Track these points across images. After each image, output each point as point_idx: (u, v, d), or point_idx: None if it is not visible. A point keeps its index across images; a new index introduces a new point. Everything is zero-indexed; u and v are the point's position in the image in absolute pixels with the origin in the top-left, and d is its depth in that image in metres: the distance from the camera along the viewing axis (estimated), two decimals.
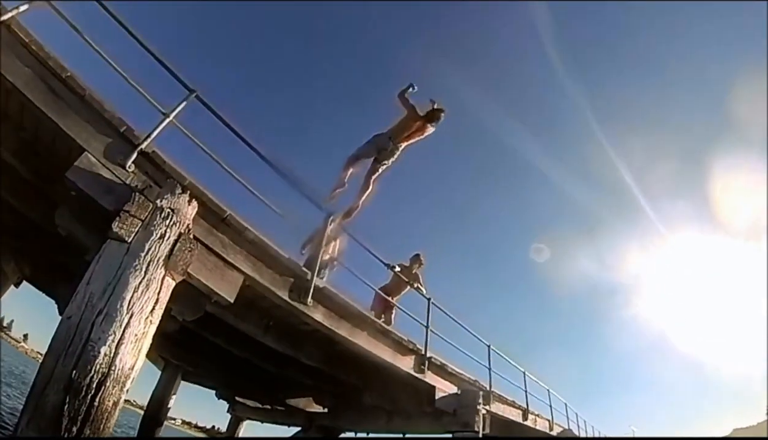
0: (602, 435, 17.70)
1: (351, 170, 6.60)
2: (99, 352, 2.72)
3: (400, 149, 6.49)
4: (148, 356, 10.02)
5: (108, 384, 2.75)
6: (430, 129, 6.52)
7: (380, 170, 6.56)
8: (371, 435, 9.36)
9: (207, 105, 4.35)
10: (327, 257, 7.49)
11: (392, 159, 6.53)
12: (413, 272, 8.46)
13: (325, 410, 9.58)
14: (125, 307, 2.94)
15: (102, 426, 2.70)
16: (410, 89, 6.34)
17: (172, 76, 4.22)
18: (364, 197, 6.58)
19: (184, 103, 4.08)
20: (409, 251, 8.91)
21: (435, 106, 6.53)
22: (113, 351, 2.81)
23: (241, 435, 12.19)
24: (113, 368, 2.79)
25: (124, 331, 2.89)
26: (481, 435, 7.18)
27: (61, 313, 6.68)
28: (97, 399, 2.68)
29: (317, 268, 4.91)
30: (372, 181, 6.53)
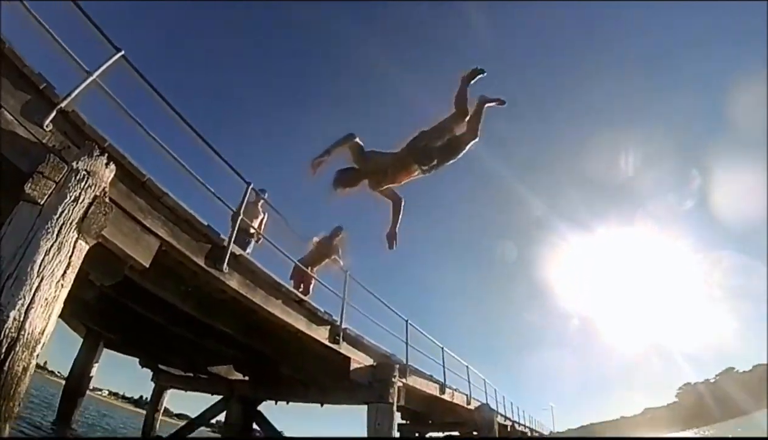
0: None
1: None
2: (8, 317, 2.69)
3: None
4: (68, 324, 9.81)
5: (17, 348, 2.73)
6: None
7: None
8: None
9: (134, 67, 4.31)
10: (252, 230, 7.67)
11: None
12: (333, 244, 8.71)
13: (246, 378, 9.72)
14: (35, 271, 2.90)
15: (12, 391, 2.70)
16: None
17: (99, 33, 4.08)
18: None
19: (110, 62, 4.02)
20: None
21: None
22: (23, 315, 2.77)
23: (165, 403, 12.19)
24: (23, 332, 2.76)
25: (34, 295, 2.86)
26: (396, 407, 7.55)
27: None
28: (6, 365, 2.66)
29: (233, 235, 5.03)
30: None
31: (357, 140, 4.01)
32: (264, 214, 8.37)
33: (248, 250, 7.57)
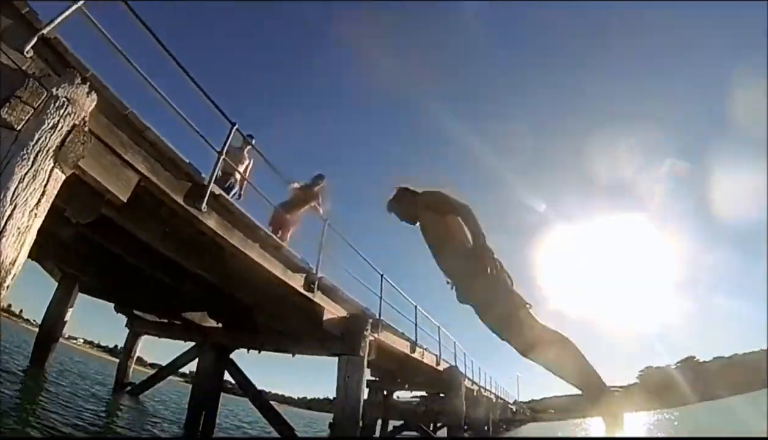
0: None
1: None
2: None
3: None
4: (44, 267, 9.74)
5: None
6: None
7: None
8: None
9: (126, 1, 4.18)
10: (238, 176, 7.70)
11: None
12: (314, 191, 8.74)
13: (219, 325, 9.81)
14: (8, 198, 2.80)
15: None
16: None
17: None
18: None
19: None
20: None
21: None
22: None
23: (138, 351, 12.29)
24: None
25: (6, 223, 2.76)
26: (366, 362, 7.73)
27: None
28: None
29: (214, 174, 5.02)
30: None
31: (471, 213, 3.05)
32: (250, 160, 8.34)
33: (234, 194, 7.66)
